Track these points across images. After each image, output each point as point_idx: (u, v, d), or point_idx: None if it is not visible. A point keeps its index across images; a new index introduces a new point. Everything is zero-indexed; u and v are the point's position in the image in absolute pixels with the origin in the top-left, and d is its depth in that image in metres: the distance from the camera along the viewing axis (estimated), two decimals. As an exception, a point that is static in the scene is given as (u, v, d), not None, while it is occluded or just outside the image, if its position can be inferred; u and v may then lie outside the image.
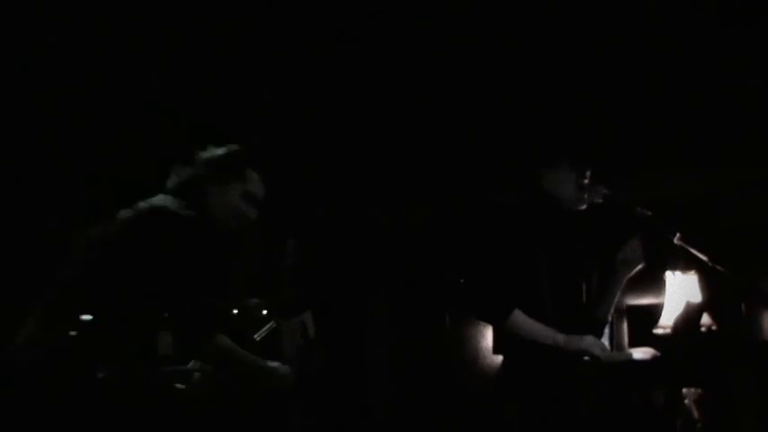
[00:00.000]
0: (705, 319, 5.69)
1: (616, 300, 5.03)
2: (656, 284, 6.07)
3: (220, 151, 4.67)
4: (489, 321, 5.01)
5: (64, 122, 7.50)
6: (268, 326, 5.48)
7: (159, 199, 4.49)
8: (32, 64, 7.24)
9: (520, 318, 4.65)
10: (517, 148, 5.49)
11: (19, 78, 7.24)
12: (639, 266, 4.89)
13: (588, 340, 4.71)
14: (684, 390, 5.21)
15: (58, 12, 6.83)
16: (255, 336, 5.52)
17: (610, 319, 5.20)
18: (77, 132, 7.52)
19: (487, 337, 7.20)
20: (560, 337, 4.66)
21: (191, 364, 5.06)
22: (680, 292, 6.05)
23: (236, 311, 5.68)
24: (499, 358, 5.01)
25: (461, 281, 5.56)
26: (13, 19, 6.93)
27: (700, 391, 5.27)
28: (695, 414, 5.23)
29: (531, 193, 4.94)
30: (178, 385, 5.31)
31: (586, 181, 4.83)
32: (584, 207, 4.88)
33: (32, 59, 7.24)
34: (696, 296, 5.95)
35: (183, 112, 7.24)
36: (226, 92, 7.42)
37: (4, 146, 7.38)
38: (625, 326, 6.43)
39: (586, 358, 4.78)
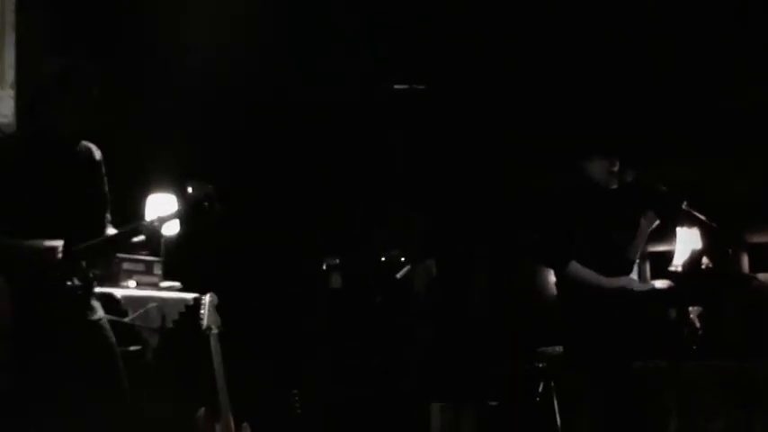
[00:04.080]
0: (704, 260, 5.78)
1: (641, 248, 5.31)
2: (670, 236, 6.13)
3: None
4: (554, 268, 5.27)
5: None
6: (405, 269, 5.92)
7: None
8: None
9: (574, 266, 4.98)
10: (566, 146, 5.66)
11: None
12: (655, 225, 5.19)
13: (623, 280, 5.06)
14: (690, 308, 5.36)
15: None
16: (397, 275, 5.98)
17: (637, 260, 5.37)
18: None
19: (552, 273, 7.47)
20: (603, 280, 4.99)
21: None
22: (687, 241, 6.11)
23: (383, 258, 6.13)
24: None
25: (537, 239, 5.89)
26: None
27: (700, 308, 5.45)
28: (697, 324, 5.40)
29: (577, 177, 5.22)
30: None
31: (615, 168, 5.08)
32: (615, 186, 5.12)
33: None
34: (698, 244, 6.03)
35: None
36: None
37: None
38: (648, 265, 6.52)
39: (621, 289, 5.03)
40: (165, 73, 6.72)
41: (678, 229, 6.10)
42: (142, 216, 6.21)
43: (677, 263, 6.12)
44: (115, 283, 5.74)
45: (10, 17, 6.32)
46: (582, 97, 7.40)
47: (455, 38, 7.38)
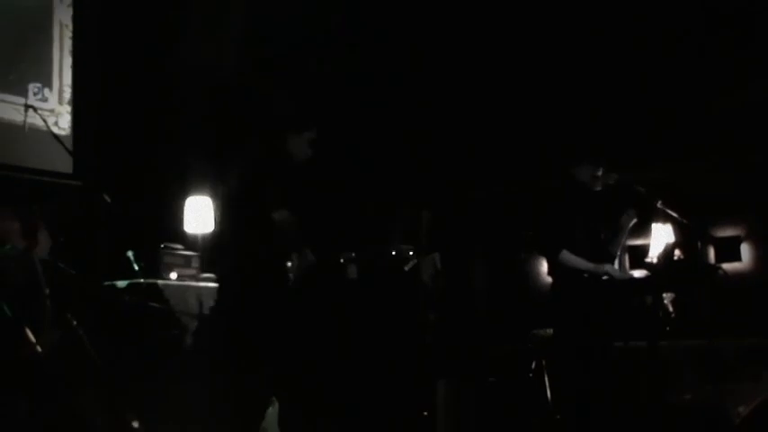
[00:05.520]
0: (676, 252, 5.85)
1: (623, 242, 5.32)
2: (646, 231, 6.19)
3: None
4: (547, 256, 5.31)
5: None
6: (413, 261, 5.95)
7: None
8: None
9: (566, 254, 4.99)
10: (557, 154, 5.74)
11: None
12: (634, 222, 5.22)
13: (607, 267, 5.03)
14: (664, 294, 5.35)
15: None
16: (405, 267, 6.00)
17: (618, 253, 5.35)
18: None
19: (545, 264, 7.48)
20: (590, 265, 4.99)
21: None
22: (661, 236, 6.12)
23: (394, 252, 6.16)
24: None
25: (531, 233, 5.92)
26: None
27: (673, 294, 5.43)
28: (670, 309, 5.40)
29: (567, 179, 5.25)
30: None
31: (599, 173, 5.11)
32: (599, 188, 5.14)
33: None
34: (671, 239, 6.04)
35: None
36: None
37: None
38: (627, 257, 6.46)
39: (605, 277, 5.03)
40: (202, 87, 6.77)
41: (653, 225, 6.11)
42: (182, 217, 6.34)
43: (653, 255, 6.13)
44: (158, 274, 5.84)
45: (67, 43, 6.45)
46: (569, 107, 7.44)
47: (455, 47, 7.43)
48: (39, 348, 4.00)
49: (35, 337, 4.04)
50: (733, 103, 7.04)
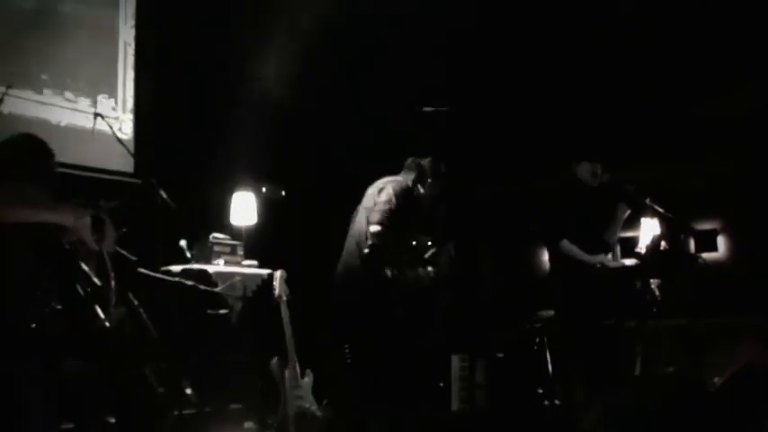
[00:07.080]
0: (662, 243, 5.70)
1: (618, 232, 5.49)
2: (636, 224, 6.00)
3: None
4: (548, 244, 5.44)
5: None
6: (432, 250, 6.04)
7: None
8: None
9: (566, 243, 5.17)
10: (560, 154, 5.78)
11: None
12: (627, 214, 5.42)
13: (601, 257, 5.23)
14: (651, 280, 5.37)
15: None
16: (426, 255, 6.12)
17: (615, 241, 5.53)
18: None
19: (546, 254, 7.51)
20: (586, 256, 5.17)
21: None
22: (649, 229, 5.90)
23: (414, 243, 6.27)
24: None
25: (537, 226, 5.98)
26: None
27: (659, 280, 5.42)
28: (657, 293, 5.38)
29: (568, 178, 5.41)
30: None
31: (598, 171, 5.29)
32: (597, 185, 5.32)
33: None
34: (657, 231, 5.84)
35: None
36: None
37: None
38: (618, 247, 6.43)
39: (599, 265, 5.20)
40: (252, 88, 6.90)
41: (642, 220, 6.02)
42: (228, 210, 6.44)
43: (641, 246, 5.99)
44: (208, 261, 6.00)
45: (130, 59, 6.62)
46: (571, 111, 7.47)
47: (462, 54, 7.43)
48: (107, 323, 4.14)
49: (103, 313, 4.19)
50: (713, 109, 7.11)
